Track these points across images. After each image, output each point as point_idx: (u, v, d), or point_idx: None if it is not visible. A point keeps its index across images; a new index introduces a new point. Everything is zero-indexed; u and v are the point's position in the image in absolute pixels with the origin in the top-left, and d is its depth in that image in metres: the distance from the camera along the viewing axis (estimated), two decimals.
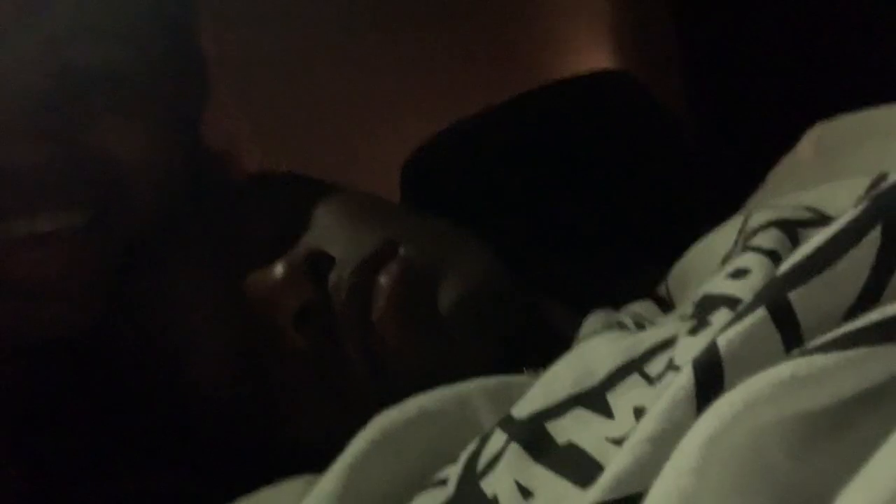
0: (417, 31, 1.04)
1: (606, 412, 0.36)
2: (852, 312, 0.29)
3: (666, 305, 0.54)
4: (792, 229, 0.40)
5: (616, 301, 0.56)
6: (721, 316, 0.35)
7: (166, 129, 0.57)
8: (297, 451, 0.49)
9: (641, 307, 0.52)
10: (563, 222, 0.83)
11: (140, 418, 0.56)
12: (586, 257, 0.73)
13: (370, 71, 1.01)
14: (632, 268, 0.66)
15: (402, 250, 0.52)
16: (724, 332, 0.29)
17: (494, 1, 1.09)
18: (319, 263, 0.52)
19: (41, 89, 0.52)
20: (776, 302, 0.29)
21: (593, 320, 0.51)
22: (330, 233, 0.55)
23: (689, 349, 0.32)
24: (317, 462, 0.43)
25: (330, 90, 0.98)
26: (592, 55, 1.08)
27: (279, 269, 0.52)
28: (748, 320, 0.29)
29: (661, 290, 0.57)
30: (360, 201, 0.59)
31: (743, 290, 0.36)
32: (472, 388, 0.43)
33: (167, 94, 0.58)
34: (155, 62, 0.56)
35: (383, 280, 0.50)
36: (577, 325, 0.52)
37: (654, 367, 0.37)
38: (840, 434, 0.26)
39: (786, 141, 0.60)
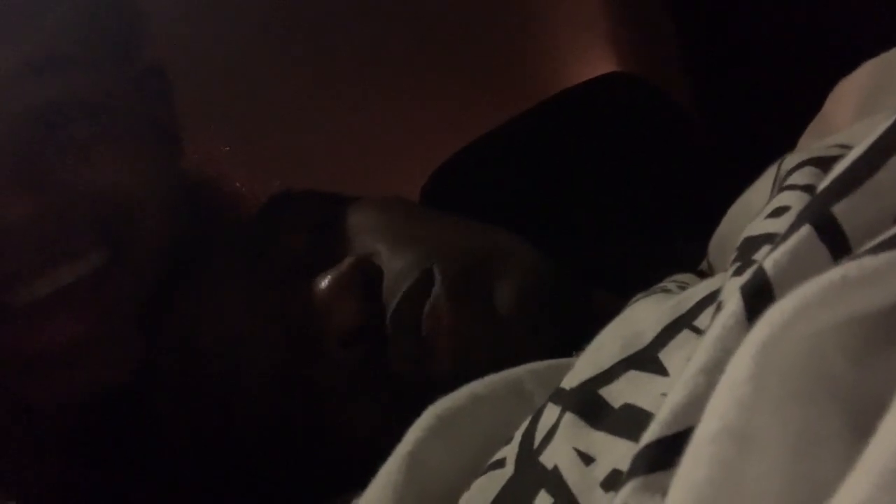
0: (426, 58, 1.05)
1: (660, 371, 0.35)
2: None
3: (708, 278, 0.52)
4: (826, 165, 0.38)
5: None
6: (765, 253, 0.34)
7: (155, 148, 0.56)
8: (349, 460, 0.48)
9: (684, 277, 0.51)
10: (592, 221, 0.82)
11: (192, 450, 0.55)
12: (622, 250, 0.72)
13: (386, 99, 1.02)
14: (670, 254, 0.65)
15: (437, 274, 0.49)
16: (770, 254, 0.28)
17: (498, 22, 1.10)
18: (368, 276, 0.50)
19: (16, 131, 0.49)
20: (820, 217, 0.28)
21: (637, 297, 0.50)
22: (371, 239, 0.53)
23: (735, 286, 0.30)
24: (371, 470, 0.41)
25: (347, 120, 0.99)
26: (597, 61, 1.08)
27: (327, 285, 0.50)
28: (793, 240, 0.28)
29: (703, 265, 0.56)
30: (393, 206, 0.57)
31: (785, 226, 0.35)
32: (522, 372, 0.42)
33: (144, 112, 0.56)
34: (122, 82, 0.54)
35: (430, 308, 0.48)
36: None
37: (704, 319, 0.36)
38: None
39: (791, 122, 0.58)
